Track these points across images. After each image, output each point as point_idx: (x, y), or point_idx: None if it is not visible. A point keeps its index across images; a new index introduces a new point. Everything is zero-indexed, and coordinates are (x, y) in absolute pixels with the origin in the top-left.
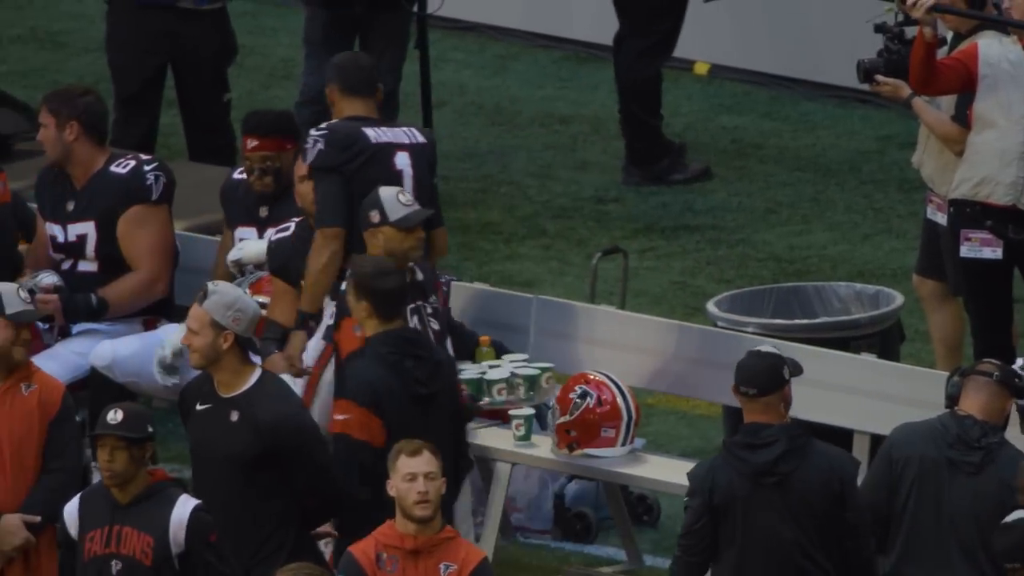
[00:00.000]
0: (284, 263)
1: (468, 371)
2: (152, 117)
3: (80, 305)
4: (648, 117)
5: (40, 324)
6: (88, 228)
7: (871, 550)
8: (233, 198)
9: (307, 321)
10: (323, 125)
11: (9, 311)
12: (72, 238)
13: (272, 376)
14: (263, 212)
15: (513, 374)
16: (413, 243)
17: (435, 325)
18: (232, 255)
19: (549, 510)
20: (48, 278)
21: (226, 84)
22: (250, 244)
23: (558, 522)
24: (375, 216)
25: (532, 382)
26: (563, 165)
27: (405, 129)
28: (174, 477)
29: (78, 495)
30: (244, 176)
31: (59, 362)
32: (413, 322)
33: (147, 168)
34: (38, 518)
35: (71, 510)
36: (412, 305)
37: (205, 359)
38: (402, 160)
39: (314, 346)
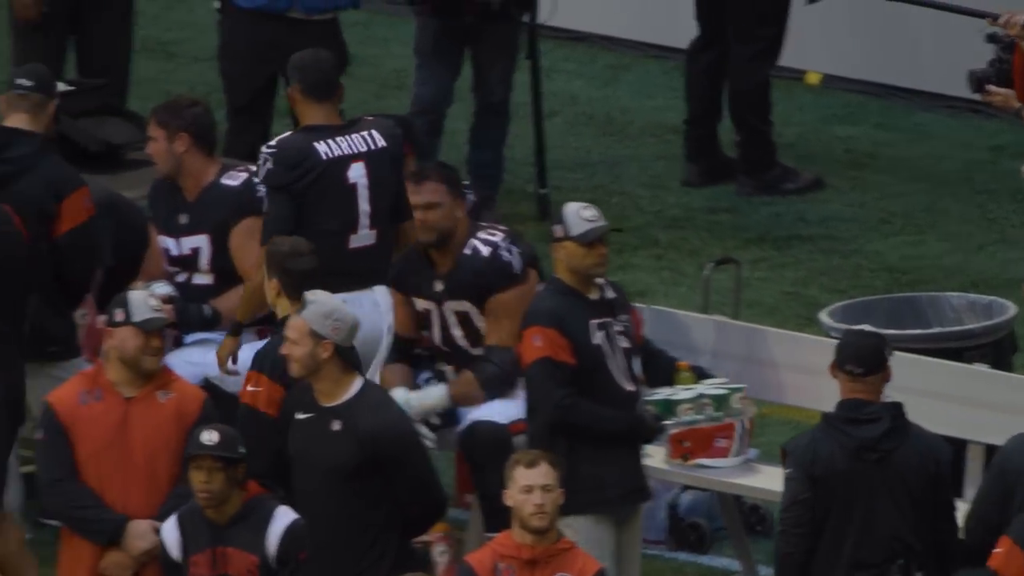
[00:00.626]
0: (399, 271)
1: (659, 392)
2: (263, 126)
3: (193, 315)
4: (760, 123)
5: None
6: (201, 241)
7: (957, 535)
8: None
9: (240, 330)
10: (274, 141)
11: (137, 318)
12: (186, 251)
13: (373, 385)
14: None
15: (701, 394)
16: (595, 259)
17: (624, 343)
18: None
19: (663, 520)
20: (162, 288)
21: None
22: None
23: (672, 532)
24: (558, 231)
25: (721, 401)
26: (675, 175)
27: (365, 134)
28: (269, 488)
29: (174, 516)
30: None
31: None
32: (599, 338)
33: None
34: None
35: (170, 532)
36: (599, 321)
37: (305, 369)
38: (356, 172)
39: (245, 355)
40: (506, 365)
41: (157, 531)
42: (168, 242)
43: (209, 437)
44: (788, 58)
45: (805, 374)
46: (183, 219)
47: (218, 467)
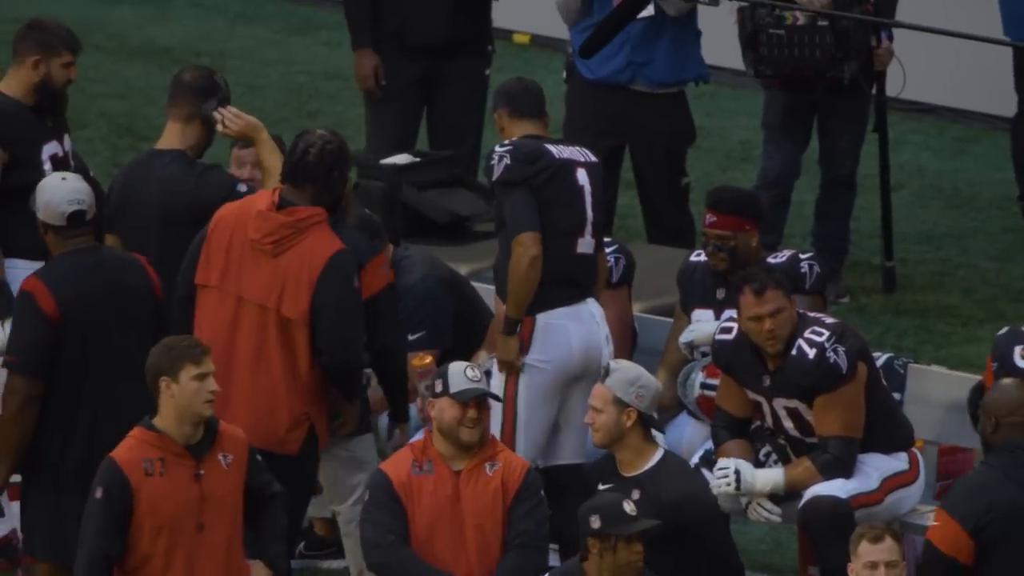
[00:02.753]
0: (728, 361)
1: None
2: (608, 198)
3: None
4: None
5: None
6: None
7: None
8: (691, 280)
9: (516, 326)
10: (507, 142)
11: (454, 389)
12: None
13: (674, 455)
14: (720, 294)
15: None
16: None
17: None
18: (684, 337)
19: None
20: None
21: (683, 167)
22: (703, 326)
23: None
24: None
25: None
26: (1022, 248)
27: (578, 148)
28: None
29: None
30: (702, 258)
31: None
32: None
33: (608, 251)
34: None
35: None
36: None
37: (608, 437)
38: (582, 176)
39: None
40: (843, 455)
41: None
42: None
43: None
44: None
45: None
46: None
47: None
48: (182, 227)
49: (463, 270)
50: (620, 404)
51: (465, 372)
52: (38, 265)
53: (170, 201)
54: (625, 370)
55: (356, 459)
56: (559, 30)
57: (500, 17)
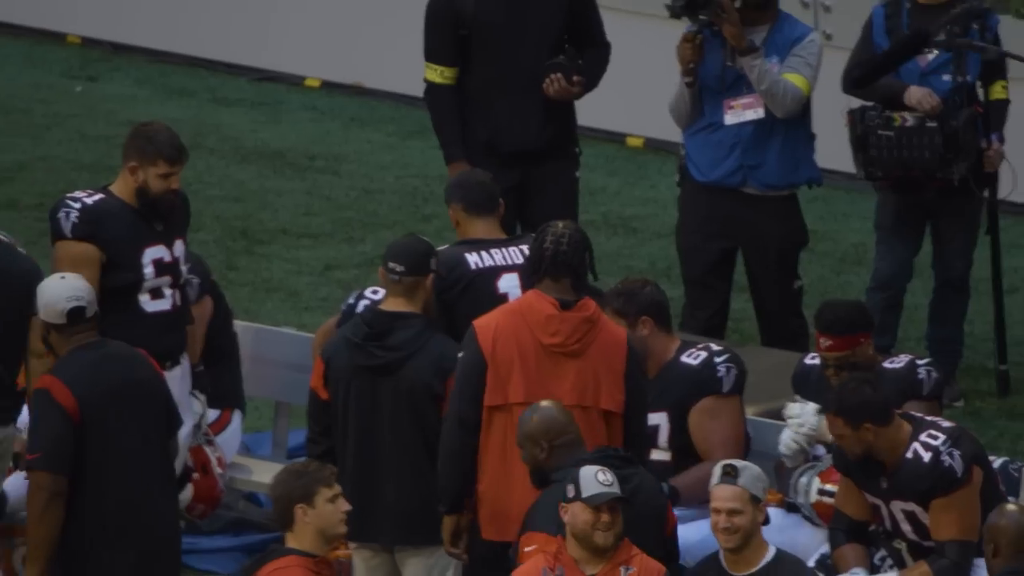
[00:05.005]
0: (847, 463)
1: None
2: (720, 301)
3: None
4: None
5: None
6: (660, 419)
7: None
8: (806, 383)
9: None
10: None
11: (586, 494)
12: None
13: (787, 553)
14: None
15: None
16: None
17: None
18: (789, 439)
19: None
20: None
21: (796, 270)
22: (810, 417)
23: None
24: None
25: None
26: None
27: (524, 247)
28: None
29: None
30: (816, 361)
31: None
32: None
33: (718, 360)
34: None
35: None
36: None
37: (744, 537)
38: (508, 282)
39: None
40: (959, 559)
41: None
42: None
43: None
44: None
45: None
46: None
47: None
48: None
49: None
50: (755, 501)
51: (596, 476)
52: None
53: None
54: (749, 467)
55: None
56: (672, 133)
57: (613, 121)
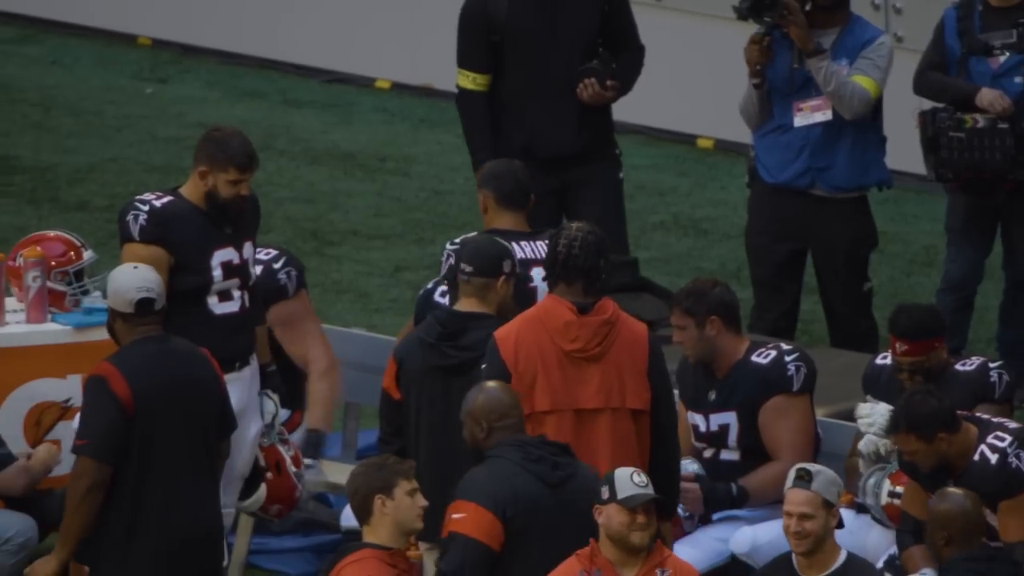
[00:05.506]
0: (914, 466)
1: None
2: (789, 303)
3: (720, 494)
4: None
5: (681, 513)
6: (730, 418)
7: None
8: (876, 383)
9: None
10: (458, 240)
11: (621, 495)
12: (714, 428)
13: (858, 557)
14: None
15: None
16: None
17: None
18: (868, 445)
19: None
20: (690, 466)
21: (865, 271)
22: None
23: None
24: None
25: None
26: None
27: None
28: None
29: None
30: (888, 361)
31: (699, 548)
32: None
33: (788, 359)
34: None
35: None
36: None
37: (817, 542)
38: (539, 275)
39: None
40: None
41: None
42: (696, 418)
43: None
44: None
45: None
46: (712, 396)
47: None
48: None
49: None
50: (828, 506)
51: (632, 478)
52: None
53: None
54: (824, 471)
55: None
56: (742, 135)
57: (683, 123)
